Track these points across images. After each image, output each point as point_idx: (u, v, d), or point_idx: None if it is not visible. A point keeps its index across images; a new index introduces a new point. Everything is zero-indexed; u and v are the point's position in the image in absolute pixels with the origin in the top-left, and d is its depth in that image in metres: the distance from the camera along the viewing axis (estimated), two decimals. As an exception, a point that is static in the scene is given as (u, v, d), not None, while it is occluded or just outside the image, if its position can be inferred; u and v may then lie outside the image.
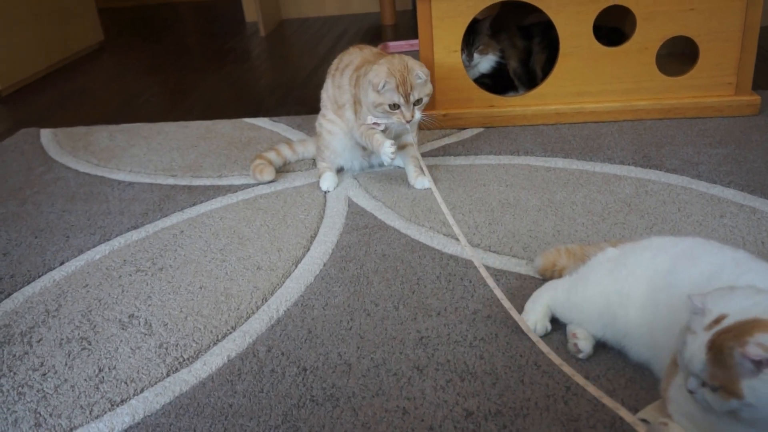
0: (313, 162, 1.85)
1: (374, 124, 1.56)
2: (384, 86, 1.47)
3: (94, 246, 1.54)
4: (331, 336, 1.16)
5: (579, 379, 0.94)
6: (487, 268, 1.30)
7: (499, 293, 1.12)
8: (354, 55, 1.68)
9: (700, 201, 1.46)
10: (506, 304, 1.10)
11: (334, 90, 1.69)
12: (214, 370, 1.11)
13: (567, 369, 0.97)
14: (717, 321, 0.78)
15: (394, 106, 1.50)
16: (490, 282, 1.14)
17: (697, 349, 0.78)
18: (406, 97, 1.48)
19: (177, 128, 2.23)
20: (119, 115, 2.44)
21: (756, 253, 0.95)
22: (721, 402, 0.76)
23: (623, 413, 0.86)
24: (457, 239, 1.39)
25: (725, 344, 0.75)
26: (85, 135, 2.23)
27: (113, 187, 1.83)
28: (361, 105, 1.58)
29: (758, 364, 0.72)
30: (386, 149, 1.53)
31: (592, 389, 0.93)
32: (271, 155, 1.81)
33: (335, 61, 1.73)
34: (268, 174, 1.75)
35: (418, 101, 1.51)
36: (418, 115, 1.52)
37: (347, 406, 1.00)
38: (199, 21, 4.18)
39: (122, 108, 2.54)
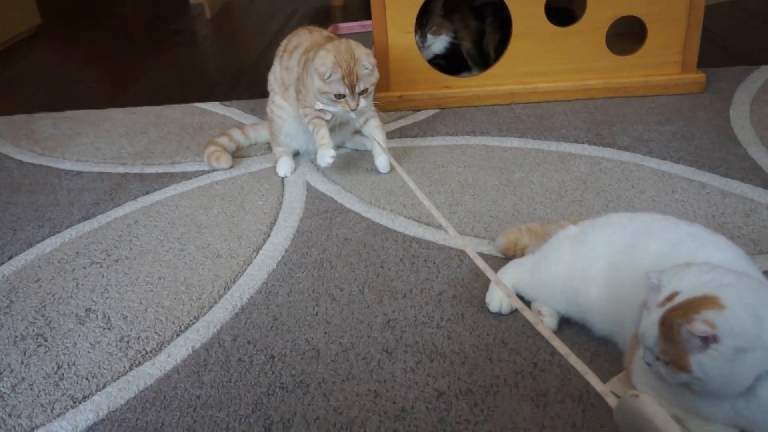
0: (268, 146, 1.82)
1: (321, 111, 1.55)
2: (330, 76, 1.45)
3: (43, 239, 1.48)
4: (298, 322, 1.15)
5: (556, 342, 0.94)
6: (450, 249, 1.31)
7: (491, 274, 1.13)
8: (303, 37, 1.65)
9: (652, 177, 1.50)
10: (492, 275, 1.10)
11: (282, 72, 1.66)
12: (179, 362, 1.08)
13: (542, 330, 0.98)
14: (669, 298, 0.81)
15: (339, 96, 1.48)
16: (483, 264, 1.14)
17: (650, 325, 0.81)
18: (352, 88, 1.47)
19: (125, 114, 2.16)
20: (62, 102, 2.35)
21: (707, 227, 0.98)
22: (673, 375, 0.79)
23: (591, 378, 0.88)
24: (428, 224, 1.39)
25: (674, 321, 0.77)
26: (26, 123, 2.14)
27: (60, 177, 1.77)
28: (305, 87, 1.56)
29: (705, 341, 0.75)
30: (325, 156, 1.53)
31: (560, 347, 0.94)
32: (224, 140, 1.78)
33: (283, 43, 1.70)
34: (225, 161, 1.71)
35: (364, 91, 1.50)
36: (363, 103, 1.50)
37: (318, 392, 0.99)
38: (140, 3, 4.04)
39: (64, 95, 2.44)
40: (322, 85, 1.47)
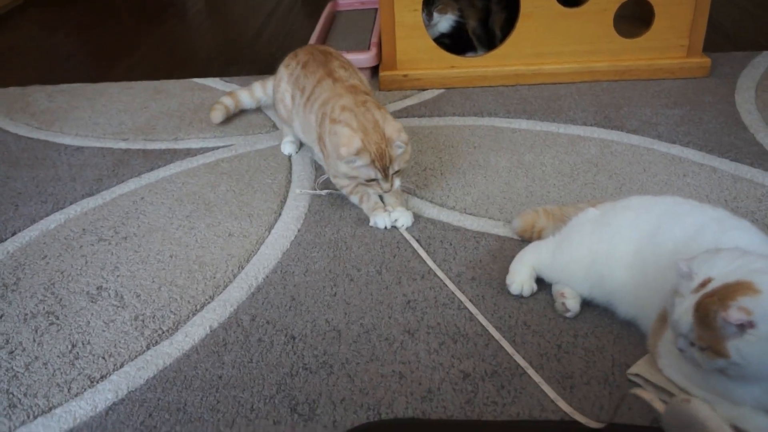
0: (273, 125, 1.79)
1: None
2: (357, 162, 1.23)
3: (47, 215, 1.45)
4: (316, 302, 1.13)
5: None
6: (466, 230, 1.30)
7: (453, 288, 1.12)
8: (323, 87, 1.40)
9: (663, 161, 1.50)
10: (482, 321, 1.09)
11: (302, 121, 1.48)
12: (197, 342, 1.07)
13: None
14: (703, 284, 0.81)
15: (370, 180, 1.27)
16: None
17: (684, 312, 0.81)
18: (384, 171, 1.24)
19: (121, 89, 2.11)
20: (54, 75, 2.29)
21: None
22: (709, 361, 0.79)
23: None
24: (441, 205, 1.38)
25: (710, 308, 0.77)
26: (21, 96, 2.08)
27: (60, 152, 1.72)
28: (328, 155, 1.34)
29: (741, 327, 0.75)
30: (382, 220, 1.31)
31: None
32: (243, 95, 1.83)
33: (292, 70, 1.53)
34: (215, 117, 1.78)
35: (398, 171, 1.27)
36: (397, 183, 1.28)
37: (342, 373, 0.99)
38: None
39: (57, 67, 2.38)
40: (348, 169, 1.25)
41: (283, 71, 1.56)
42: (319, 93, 1.41)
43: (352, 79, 1.43)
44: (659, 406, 0.79)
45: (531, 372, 0.96)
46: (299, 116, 1.49)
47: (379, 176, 1.24)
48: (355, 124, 1.24)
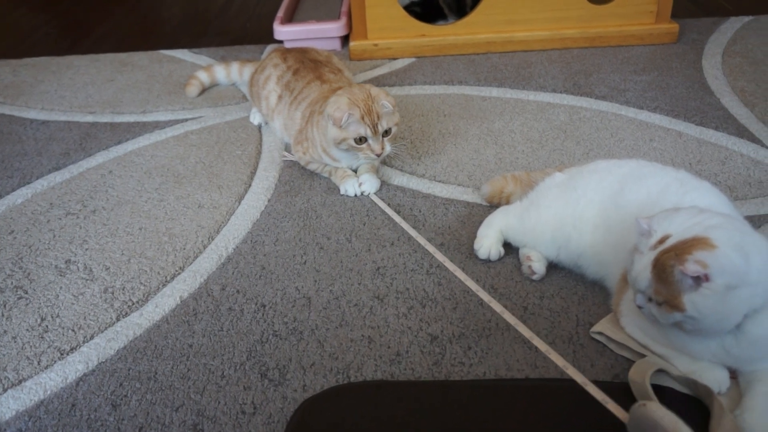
0: (243, 96, 1.78)
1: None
2: (347, 119, 1.24)
3: (13, 190, 1.43)
4: (286, 271, 1.14)
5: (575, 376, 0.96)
6: (435, 197, 1.31)
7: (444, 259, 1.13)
8: (312, 88, 1.45)
9: (630, 126, 1.52)
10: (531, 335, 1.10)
11: (286, 119, 1.49)
12: (167, 312, 1.07)
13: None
14: (661, 241, 0.83)
15: (361, 140, 1.27)
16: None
17: (642, 268, 0.83)
18: (374, 127, 1.26)
19: (88, 62, 2.08)
20: (18, 49, 2.24)
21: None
22: (666, 315, 0.82)
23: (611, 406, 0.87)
24: (411, 173, 1.39)
25: (667, 262, 0.79)
26: (-17, 70, 2.04)
27: (25, 127, 1.70)
28: (310, 141, 1.38)
29: (697, 280, 0.77)
30: (350, 187, 1.34)
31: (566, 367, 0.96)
32: (220, 72, 1.83)
33: (282, 72, 1.52)
34: (190, 91, 1.79)
35: (387, 132, 1.29)
36: (388, 147, 1.29)
37: (312, 338, 1.00)
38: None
39: (21, 41, 2.33)
40: (338, 132, 1.26)
41: (271, 70, 1.54)
42: (307, 93, 1.46)
43: (339, 83, 1.47)
44: (623, 416, 0.81)
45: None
46: (283, 114, 1.50)
47: (369, 133, 1.26)
48: (341, 91, 1.30)
